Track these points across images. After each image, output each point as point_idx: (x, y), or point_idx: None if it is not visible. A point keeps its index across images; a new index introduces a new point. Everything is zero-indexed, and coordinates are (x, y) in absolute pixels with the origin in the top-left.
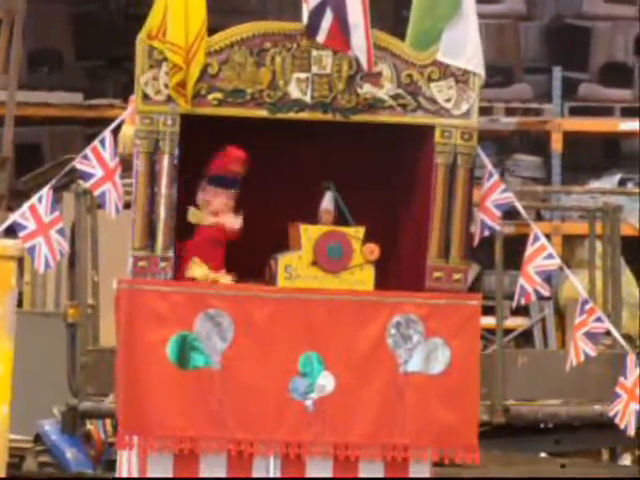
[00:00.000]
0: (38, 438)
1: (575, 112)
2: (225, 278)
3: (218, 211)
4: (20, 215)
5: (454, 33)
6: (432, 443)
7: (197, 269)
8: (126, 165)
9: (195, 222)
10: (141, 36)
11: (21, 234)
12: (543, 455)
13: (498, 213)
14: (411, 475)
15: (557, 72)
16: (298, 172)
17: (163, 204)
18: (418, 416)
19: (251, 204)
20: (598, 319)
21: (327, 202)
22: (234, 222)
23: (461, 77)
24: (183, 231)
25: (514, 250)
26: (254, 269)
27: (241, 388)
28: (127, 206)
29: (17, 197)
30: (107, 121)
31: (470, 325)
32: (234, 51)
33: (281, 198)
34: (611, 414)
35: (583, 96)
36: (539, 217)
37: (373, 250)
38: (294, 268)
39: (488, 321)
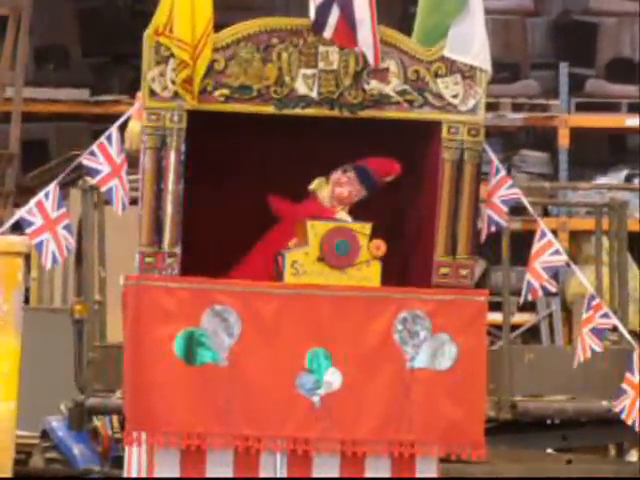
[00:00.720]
0: (45, 434)
1: (582, 108)
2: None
3: (341, 198)
4: (27, 211)
5: (461, 29)
6: (439, 439)
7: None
8: (133, 161)
9: (312, 190)
10: (148, 32)
11: (28, 230)
12: (550, 451)
13: (505, 209)
14: (418, 471)
15: (564, 68)
16: (305, 169)
17: (170, 200)
18: (425, 412)
19: (257, 200)
20: (605, 315)
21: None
22: (345, 216)
23: (468, 73)
24: (189, 227)
25: (521, 246)
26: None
27: (248, 384)
28: (134, 202)
29: (24, 193)
30: (114, 117)
31: (477, 321)
32: (241, 47)
33: (288, 194)
34: (618, 410)
35: (590, 92)
36: (546, 213)
37: (380, 246)
38: (301, 264)
39: (495, 317)
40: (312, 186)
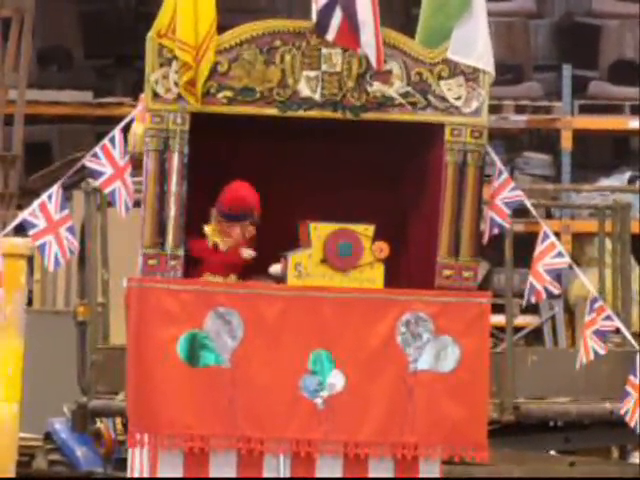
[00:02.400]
0: (48, 436)
1: (585, 110)
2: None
3: (236, 243)
4: (30, 213)
5: (464, 31)
6: (442, 441)
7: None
8: (136, 163)
9: (215, 242)
10: (151, 34)
11: (31, 232)
12: (553, 453)
13: (508, 211)
14: (421, 473)
15: (567, 70)
16: (308, 171)
17: (173, 202)
18: (428, 414)
19: (262, 203)
20: (608, 317)
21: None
22: (248, 253)
23: (471, 75)
24: (193, 229)
25: (524, 248)
26: (265, 267)
27: (251, 386)
28: (137, 204)
29: (27, 195)
30: (117, 119)
31: (480, 323)
32: (244, 49)
33: (291, 197)
34: (621, 412)
35: (593, 94)
36: (549, 215)
37: (383, 248)
38: (304, 266)
39: (498, 319)
40: (211, 238)
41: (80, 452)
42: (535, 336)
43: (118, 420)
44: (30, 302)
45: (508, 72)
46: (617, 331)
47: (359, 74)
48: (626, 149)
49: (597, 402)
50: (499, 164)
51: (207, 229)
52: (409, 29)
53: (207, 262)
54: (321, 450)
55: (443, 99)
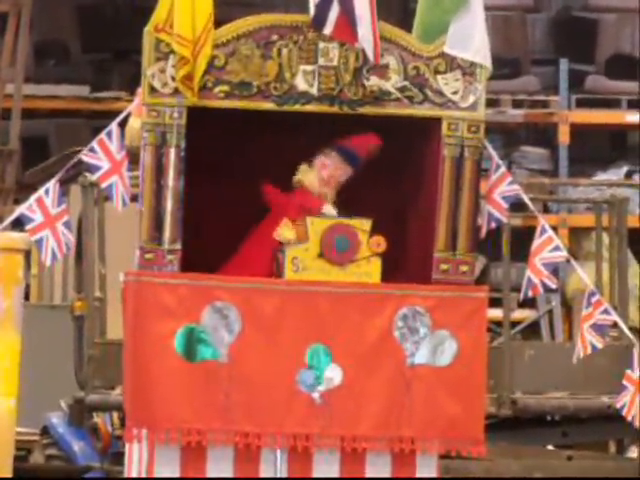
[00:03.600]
0: (45, 431)
1: (582, 104)
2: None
3: (329, 180)
4: (27, 208)
5: (461, 25)
6: (439, 435)
7: (287, 232)
8: (133, 158)
9: (298, 180)
10: (148, 28)
11: (28, 227)
12: (550, 447)
13: (505, 205)
14: (418, 467)
15: (564, 64)
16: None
17: (170, 197)
18: (425, 408)
19: (258, 197)
20: (605, 311)
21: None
22: (329, 209)
23: (468, 69)
24: (190, 224)
25: (521, 242)
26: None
27: (248, 381)
28: (134, 199)
29: (24, 190)
30: (114, 114)
31: (477, 317)
32: (241, 43)
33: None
34: (618, 406)
35: (590, 88)
36: (546, 209)
37: (380, 242)
38: (301, 260)
39: (495, 313)
40: (298, 176)
41: (77, 447)
42: (532, 330)
43: (115, 415)
44: (27, 297)
45: (505, 66)
46: (614, 325)
47: (356, 68)
48: (623, 143)
49: (594, 396)
50: (496, 158)
51: (302, 169)
52: (406, 23)
53: (286, 207)
54: (318, 444)
55: (440, 93)
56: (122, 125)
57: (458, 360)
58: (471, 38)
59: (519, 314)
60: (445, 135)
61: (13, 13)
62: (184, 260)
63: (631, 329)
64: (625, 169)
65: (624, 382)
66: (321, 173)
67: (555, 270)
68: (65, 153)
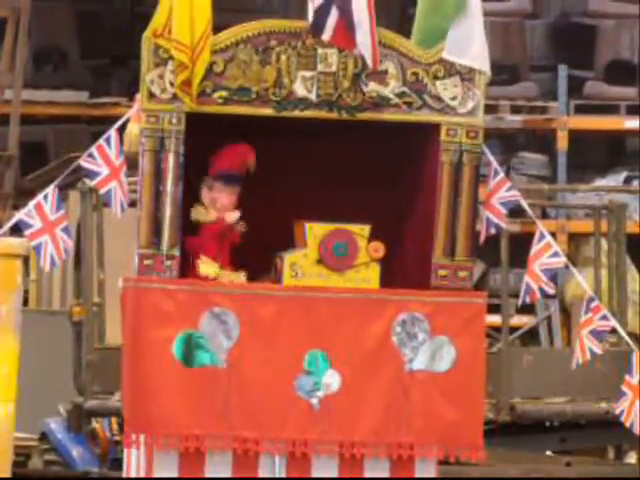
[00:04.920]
0: (44, 436)
1: (580, 110)
2: (238, 276)
3: (224, 208)
4: (26, 213)
5: (460, 31)
6: (437, 441)
7: (206, 267)
8: (132, 163)
9: (199, 221)
10: (146, 34)
11: (27, 232)
12: (549, 453)
13: (504, 211)
14: (417, 473)
15: (563, 70)
16: (304, 170)
17: (169, 202)
18: (423, 414)
19: (257, 202)
20: (604, 317)
21: None
22: (232, 216)
23: (467, 75)
24: (188, 229)
25: (520, 248)
26: (261, 267)
27: (247, 386)
28: (133, 204)
29: (23, 195)
30: (112, 119)
31: (475, 323)
32: (239, 49)
33: (287, 196)
34: (617, 412)
35: (588, 94)
36: (544, 215)
37: (378, 248)
38: (300, 266)
39: (494, 319)
40: (195, 218)
41: (76, 452)
42: (531, 336)
43: (114, 420)
44: (26, 302)
45: (504, 72)
46: (613, 331)
47: (355, 74)
48: (622, 149)
49: (593, 402)
50: (495, 164)
51: (195, 210)
52: (405, 29)
53: (201, 248)
54: (317, 450)
55: (439, 99)
56: (121, 131)
57: (457, 366)
58: (470, 44)
59: (518, 320)
60: (444, 141)
61: (12, 19)
62: (182, 266)
63: (630, 335)
64: (624, 175)
65: (623, 388)
66: (216, 207)
67: (554, 276)
68: (64, 159)
